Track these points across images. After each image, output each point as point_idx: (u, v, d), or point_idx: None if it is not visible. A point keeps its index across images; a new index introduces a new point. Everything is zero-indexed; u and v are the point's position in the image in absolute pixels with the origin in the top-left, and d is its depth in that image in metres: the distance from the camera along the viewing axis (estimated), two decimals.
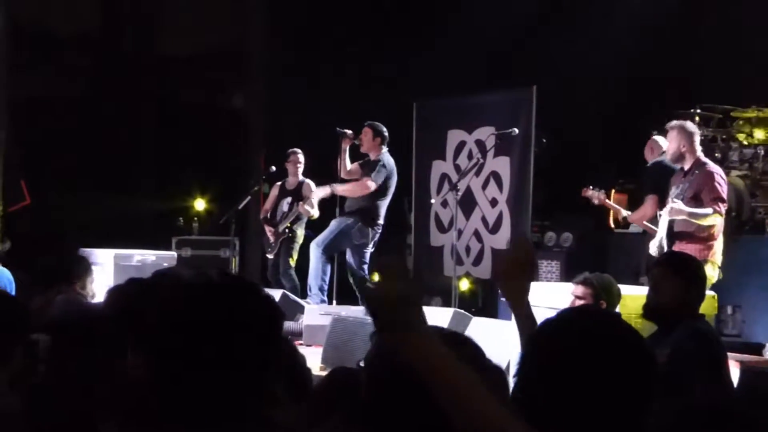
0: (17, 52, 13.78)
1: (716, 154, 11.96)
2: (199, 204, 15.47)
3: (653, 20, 12.26)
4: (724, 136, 12.03)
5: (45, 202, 13.71)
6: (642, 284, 9.29)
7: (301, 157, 12.69)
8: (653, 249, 8.91)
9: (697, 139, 9.07)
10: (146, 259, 11.77)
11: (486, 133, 12.67)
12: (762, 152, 11.51)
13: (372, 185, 11.41)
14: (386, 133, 11.60)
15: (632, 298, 7.52)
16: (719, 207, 8.64)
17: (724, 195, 8.77)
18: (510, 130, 11.49)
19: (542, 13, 13.14)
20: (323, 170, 12.34)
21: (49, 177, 14.21)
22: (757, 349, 9.58)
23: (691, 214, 8.57)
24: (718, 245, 8.77)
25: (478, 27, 13.28)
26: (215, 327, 2.28)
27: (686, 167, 8.96)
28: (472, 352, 2.67)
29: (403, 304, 2.26)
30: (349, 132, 11.63)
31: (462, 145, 13.69)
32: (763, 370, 7.25)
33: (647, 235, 11.61)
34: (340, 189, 11.60)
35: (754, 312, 10.35)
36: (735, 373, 6.21)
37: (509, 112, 12.76)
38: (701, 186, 8.71)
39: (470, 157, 13.10)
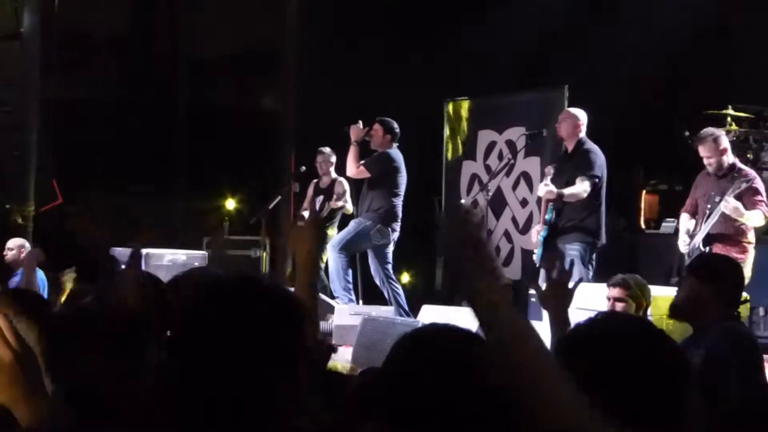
0: (49, 54, 13.85)
1: (748, 155, 11.89)
2: (230, 204, 15.51)
3: (686, 20, 12.19)
4: (756, 137, 11.95)
5: (77, 202, 13.77)
6: (673, 285, 9.28)
7: (332, 157, 12.69)
8: (683, 248, 8.93)
9: (724, 143, 9.07)
10: (177, 258, 11.82)
11: (516, 134, 12.64)
12: None
13: (362, 169, 11.40)
14: (397, 130, 11.51)
15: (664, 299, 7.48)
16: (764, 208, 8.66)
17: (765, 196, 8.78)
18: (540, 130, 11.46)
19: (574, 13, 13.09)
20: None
21: (82, 177, 14.26)
22: None
23: (745, 216, 8.61)
24: (753, 247, 8.80)
25: (510, 26, 13.25)
26: (233, 328, 2.26)
27: (719, 174, 8.97)
28: None
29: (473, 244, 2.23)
30: (359, 125, 11.52)
31: (492, 145, 13.66)
32: None
33: (678, 235, 11.62)
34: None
35: None
36: None
37: (540, 112, 12.72)
38: (743, 190, 8.72)
39: (501, 157, 13.08)
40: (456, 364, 2.39)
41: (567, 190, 9.73)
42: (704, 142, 9.10)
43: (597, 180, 9.80)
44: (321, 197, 12.56)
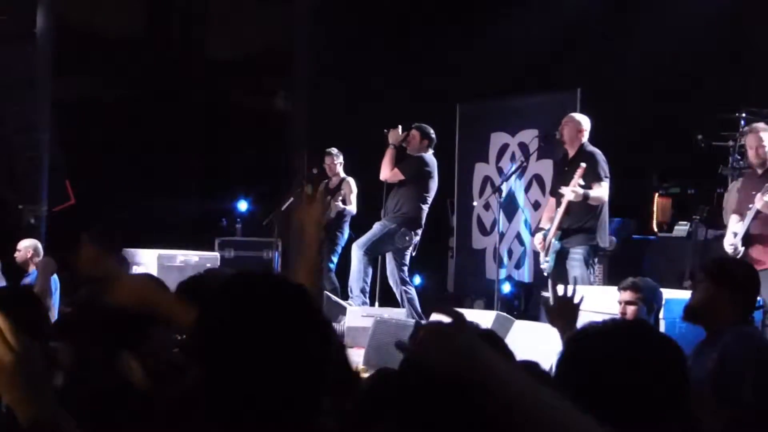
0: (63, 53, 13.88)
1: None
2: (243, 205, 15.51)
3: (699, 23, 12.17)
4: None
5: (89, 203, 13.79)
6: (686, 288, 9.27)
7: (339, 158, 12.70)
8: (727, 248, 8.91)
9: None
10: (189, 259, 11.84)
11: (529, 136, 12.66)
12: None
13: (397, 171, 11.41)
14: (434, 136, 11.55)
15: (677, 302, 7.47)
16: None
17: None
18: (554, 133, 11.40)
19: (587, 16, 13.06)
20: (366, 171, 12.34)
21: (94, 178, 14.27)
22: None
23: None
24: None
25: (523, 28, 13.24)
26: (265, 327, 2.26)
27: (761, 171, 8.97)
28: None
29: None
30: (398, 129, 11.51)
31: (505, 147, 13.67)
32: None
33: (691, 240, 11.60)
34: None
35: None
36: None
37: (553, 114, 12.71)
38: None
39: (513, 159, 13.10)
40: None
41: (592, 193, 9.74)
42: (754, 131, 9.11)
43: (608, 183, 9.84)
44: (329, 198, 12.58)
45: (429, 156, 11.48)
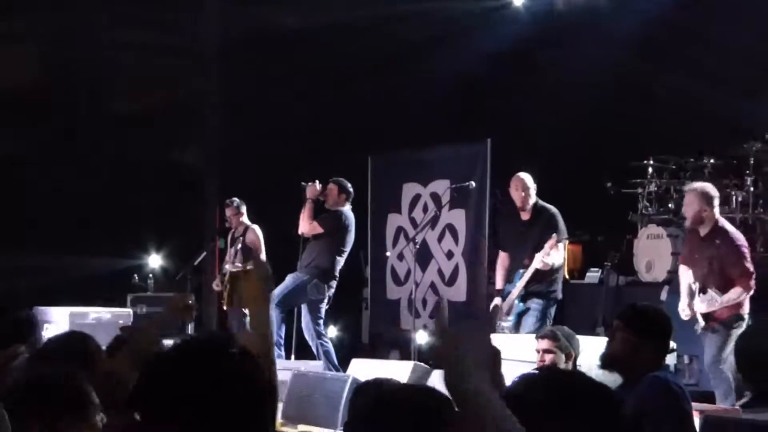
0: None
1: (669, 205, 12.06)
2: (155, 260, 15.35)
3: (607, 73, 12.35)
4: (677, 188, 12.06)
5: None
6: (598, 334, 9.36)
7: (241, 207, 12.61)
8: (683, 315, 8.79)
9: (716, 202, 8.98)
10: (102, 317, 11.66)
11: (441, 187, 12.73)
12: None
13: (315, 225, 11.44)
14: (351, 190, 11.67)
15: (591, 348, 7.52)
16: (748, 284, 8.65)
17: (751, 266, 8.74)
18: (467, 183, 11.55)
19: (500, 67, 13.19)
20: (277, 223, 12.34)
21: (2, 237, 14.05)
22: (714, 398, 9.60)
23: (723, 304, 8.67)
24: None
25: (434, 80, 13.33)
26: (200, 393, 2.28)
27: (703, 232, 8.94)
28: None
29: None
30: (316, 184, 11.56)
31: (417, 198, 13.72)
32: (724, 419, 7.27)
33: (603, 286, 11.73)
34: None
35: None
36: (696, 423, 6.21)
37: (464, 165, 12.81)
38: (727, 259, 8.75)
39: (426, 210, 13.15)
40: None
41: (556, 262, 10.00)
42: (686, 195, 9.12)
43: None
44: (238, 246, 12.50)
45: (347, 210, 11.58)
